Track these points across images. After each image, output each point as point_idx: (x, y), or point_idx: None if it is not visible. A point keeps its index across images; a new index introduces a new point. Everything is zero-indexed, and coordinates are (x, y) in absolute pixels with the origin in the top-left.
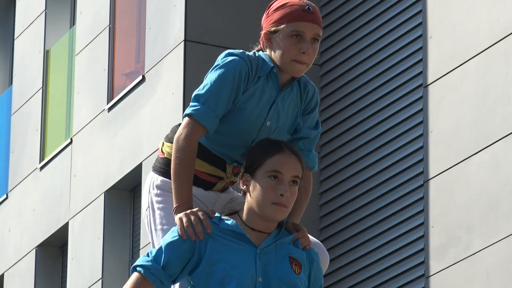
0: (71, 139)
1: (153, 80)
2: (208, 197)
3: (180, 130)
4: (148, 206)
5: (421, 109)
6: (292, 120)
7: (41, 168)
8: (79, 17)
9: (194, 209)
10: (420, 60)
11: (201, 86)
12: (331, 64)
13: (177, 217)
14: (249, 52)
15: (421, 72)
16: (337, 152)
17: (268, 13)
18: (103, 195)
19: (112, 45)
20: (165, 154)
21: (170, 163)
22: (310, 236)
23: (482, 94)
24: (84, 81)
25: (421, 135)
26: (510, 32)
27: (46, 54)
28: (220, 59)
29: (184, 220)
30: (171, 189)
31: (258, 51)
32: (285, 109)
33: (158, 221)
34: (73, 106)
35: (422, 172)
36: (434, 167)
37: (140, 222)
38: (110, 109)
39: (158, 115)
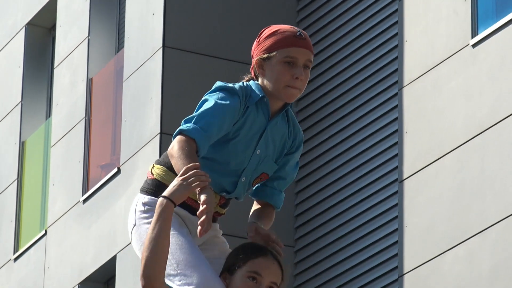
0: (46, 230)
1: (128, 172)
2: (194, 222)
3: (172, 143)
4: (134, 225)
5: (396, 204)
6: (279, 150)
7: (15, 259)
8: (55, 108)
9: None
10: (396, 155)
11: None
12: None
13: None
14: (238, 83)
15: (396, 167)
16: (311, 246)
17: (259, 41)
18: (77, 287)
19: (88, 137)
20: (154, 175)
21: (159, 184)
22: None
23: (457, 189)
24: (59, 172)
25: (396, 229)
26: (486, 128)
27: (22, 145)
28: (210, 92)
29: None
30: (150, 205)
31: (248, 80)
32: (275, 137)
33: (144, 235)
34: (48, 197)
35: (396, 267)
36: (408, 262)
37: None
38: (85, 201)
39: None
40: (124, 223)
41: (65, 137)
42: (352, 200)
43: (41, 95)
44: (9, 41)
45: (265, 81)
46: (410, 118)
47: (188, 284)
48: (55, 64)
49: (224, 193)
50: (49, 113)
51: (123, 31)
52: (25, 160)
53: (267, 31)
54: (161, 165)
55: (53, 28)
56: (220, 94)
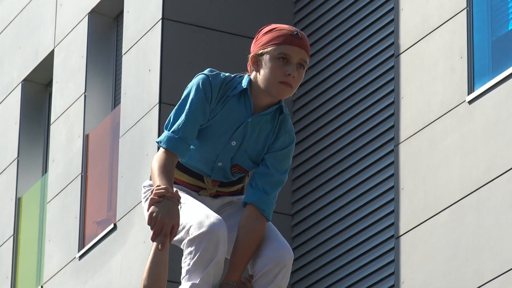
0: (42, 286)
1: (124, 228)
2: (198, 197)
3: (156, 157)
4: (146, 201)
5: (393, 260)
6: (258, 148)
7: None
8: (51, 165)
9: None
10: (392, 211)
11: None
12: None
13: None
14: (232, 74)
15: (393, 223)
16: None
17: (257, 38)
18: None
19: (84, 193)
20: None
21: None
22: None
23: (453, 246)
24: (55, 229)
25: (393, 286)
26: (481, 185)
27: (18, 201)
28: (189, 87)
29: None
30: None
31: (248, 75)
32: (255, 134)
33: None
34: (44, 253)
35: None
36: None
37: None
38: (81, 257)
39: (130, 263)
40: (120, 279)
41: (61, 193)
42: (348, 256)
43: (37, 151)
44: (6, 97)
45: (258, 76)
46: (406, 174)
47: (186, 231)
48: (52, 120)
49: (210, 178)
50: (45, 169)
51: (120, 87)
52: (21, 216)
53: (266, 28)
54: None
55: (49, 84)
56: (193, 89)
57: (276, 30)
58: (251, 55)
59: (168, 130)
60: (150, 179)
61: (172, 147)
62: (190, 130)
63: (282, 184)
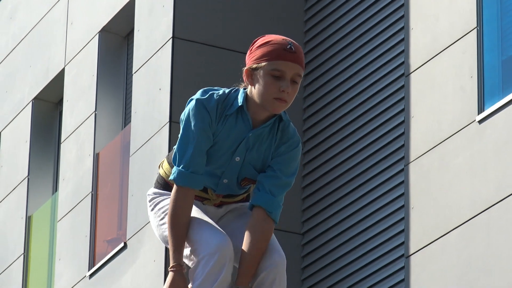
0: None
1: (135, 247)
2: (202, 207)
3: (171, 196)
4: (152, 210)
5: (403, 279)
6: (262, 158)
7: None
8: (62, 183)
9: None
10: (402, 231)
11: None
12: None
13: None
14: (227, 88)
15: (403, 242)
16: None
17: (251, 50)
18: None
19: (94, 212)
20: (160, 170)
21: (162, 178)
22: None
23: (463, 265)
24: (65, 247)
25: None
26: (492, 204)
27: (28, 220)
28: (185, 115)
29: None
30: (158, 193)
31: (244, 88)
32: (256, 146)
33: (156, 220)
34: (54, 272)
35: None
36: None
37: None
38: (91, 276)
39: (140, 282)
40: None
41: (71, 212)
42: (358, 275)
43: (48, 169)
44: (16, 116)
45: (253, 91)
46: (417, 193)
47: (194, 251)
48: (62, 139)
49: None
50: (55, 188)
51: (130, 106)
52: (32, 235)
53: (260, 41)
54: (168, 163)
55: (60, 102)
56: (191, 118)
57: (269, 44)
58: (245, 68)
59: (178, 166)
60: (155, 187)
61: (187, 184)
62: (199, 160)
63: (289, 187)
